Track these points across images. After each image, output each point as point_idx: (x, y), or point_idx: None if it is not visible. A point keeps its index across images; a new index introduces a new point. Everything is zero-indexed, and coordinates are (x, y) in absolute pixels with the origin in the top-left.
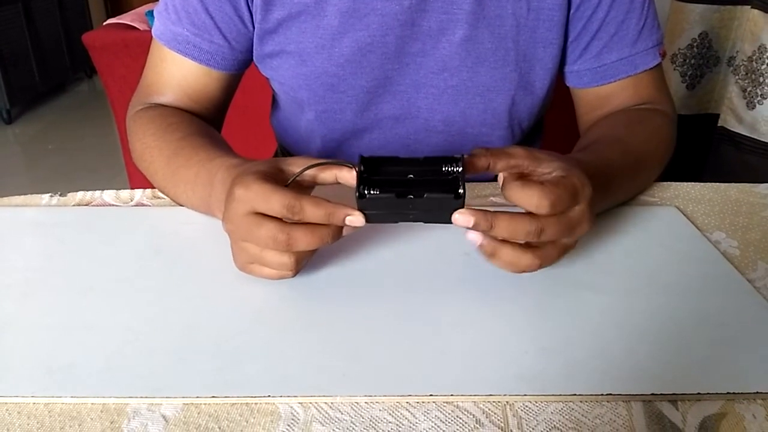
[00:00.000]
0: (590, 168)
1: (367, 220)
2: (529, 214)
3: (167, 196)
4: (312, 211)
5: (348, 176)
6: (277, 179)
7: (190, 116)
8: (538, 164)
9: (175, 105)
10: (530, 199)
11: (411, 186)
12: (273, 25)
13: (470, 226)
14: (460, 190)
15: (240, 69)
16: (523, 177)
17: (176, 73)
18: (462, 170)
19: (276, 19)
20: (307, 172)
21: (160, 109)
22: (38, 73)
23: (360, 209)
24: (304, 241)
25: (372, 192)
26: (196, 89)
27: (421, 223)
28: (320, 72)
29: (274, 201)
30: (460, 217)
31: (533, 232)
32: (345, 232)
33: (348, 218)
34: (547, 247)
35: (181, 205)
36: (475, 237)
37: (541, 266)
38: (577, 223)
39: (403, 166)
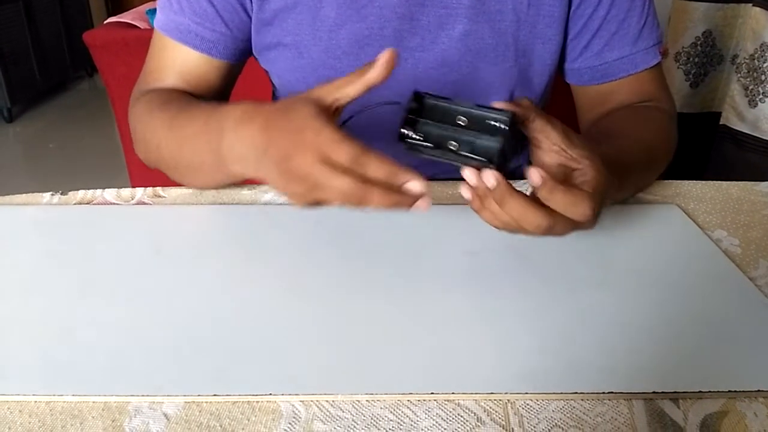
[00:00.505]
0: (608, 162)
1: (405, 149)
2: (545, 207)
3: (173, 166)
4: (376, 167)
5: (373, 76)
6: (331, 116)
7: (185, 93)
8: (570, 146)
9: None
10: (575, 208)
11: (454, 136)
12: (269, 15)
13: (489, 185)
14: (497, 157)
15: (241, 58)
16: (563, 180)
17: (177, 59)
18: (508, 129)
19: (272, 9)
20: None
21: (157, 91)
22: (39, 72)
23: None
24: (377, 200)
25: (413, 138)
26: (195, 76)
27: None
28: (317, 64)
29: (343, 151)
30: (487, 177)
31: (543, 228)
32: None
33: (409, 184)
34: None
35: (190, 185)
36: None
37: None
38: (591, 221)
39: (453, 107)
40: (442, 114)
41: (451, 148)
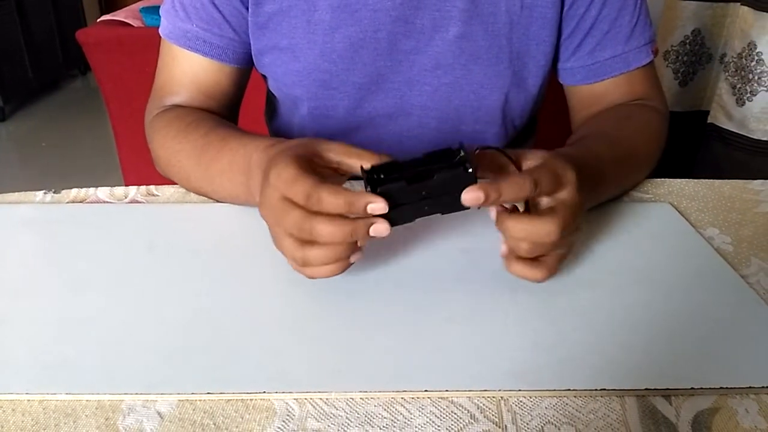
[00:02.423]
0: (577, 160)
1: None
2: (525, 172)
3: (205, 195)
4: (330, 200)
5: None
6: (311, 164)
7: (206, 113)
8: (522, 158)
9: (190, 104)
10: (516, 184)
11: (420, 169)
12: (264, 19)
13: (482, 201)
14: (469, 165)
15: (250, 63)
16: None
17: (188, 70)
18: (465, 153)
19: (267, 12)
20: (343, 160)
21: (176, 111)
22: (32, 70)
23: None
24: (326, 231)
25: (382, 186)
26: (209, 86)
27: (438, 215)
28: (312, 68)
29: (297, 187)
30: (470, 195)
31: (532, 184)
32: (372, 231)
33: (370, 206)
34: (550, 257)
35: (222, 201)
36: (504, 248)
37: (545, 277)
38: (572, 208)
39: (407, 166)
40: (398, 172)
41: (423, 179)
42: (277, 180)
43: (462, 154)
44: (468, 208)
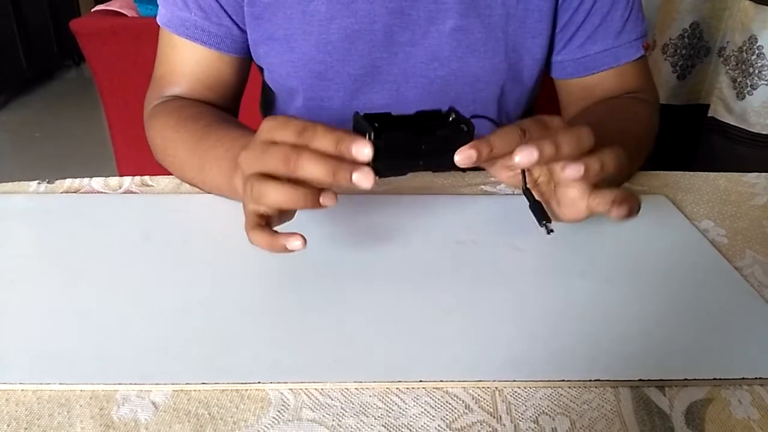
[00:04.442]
0: None
1: (377, 173)
2: (515, 126)
3: (197, 186)
4: (324, 132)
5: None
6: None
7: (208, 106)
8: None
9: (190, 95)
10: (505, 134)
11: (421, 124)
12: (259, 9)
13: (474, 159)
14: (466, 126)
15: (250, 53)
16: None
17: (189, 59)
18: (459, 114)
19: (263, 3)
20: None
21: (178, 102)
22: (25, 60)
23: (374, 152)
24: (312, 163)
25: (387, 132)
26: (210, 76)
27: (429, 171)
28: (308, 59)
29: (290, 126)
30: (463, 155)
31: (520, 131)
32: (355, 178)
33: (355, 147)
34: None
35: (210, 192)
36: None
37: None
38: (573, 129)
39: (402, 120)
40: (395, 126)
41: (420, 165)
42: (269, 123)
43: (454, 116)
44: (461, 169)
